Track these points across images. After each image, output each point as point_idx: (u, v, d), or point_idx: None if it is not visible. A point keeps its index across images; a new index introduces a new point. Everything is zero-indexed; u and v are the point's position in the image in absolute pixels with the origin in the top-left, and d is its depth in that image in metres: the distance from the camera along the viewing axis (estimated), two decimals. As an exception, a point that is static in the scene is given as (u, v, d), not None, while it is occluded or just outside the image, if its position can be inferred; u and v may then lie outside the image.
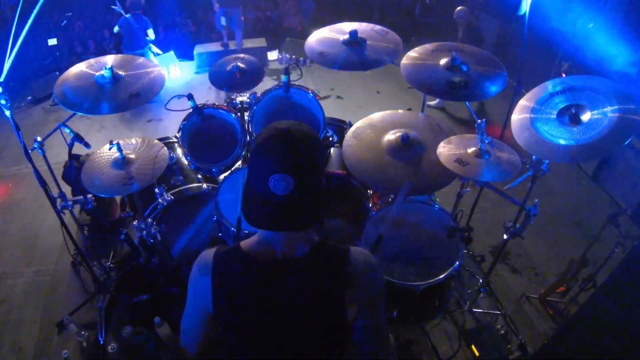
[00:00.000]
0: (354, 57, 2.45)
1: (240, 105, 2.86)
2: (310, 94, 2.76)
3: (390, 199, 2.78)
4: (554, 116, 1.92)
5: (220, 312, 1.14)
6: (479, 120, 2.02)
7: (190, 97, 2.60)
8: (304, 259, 1.10)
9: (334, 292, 1.09)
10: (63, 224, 2.53)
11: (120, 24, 5.24)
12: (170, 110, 2.65)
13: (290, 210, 1.06)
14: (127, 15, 5.18)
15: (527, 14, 2.36)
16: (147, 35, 5.40)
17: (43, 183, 2.28)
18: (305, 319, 1.12)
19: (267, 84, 2.92)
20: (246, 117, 2.81)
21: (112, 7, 5.18)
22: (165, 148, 2.34)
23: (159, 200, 2.56)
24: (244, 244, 1.15)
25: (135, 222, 2.43)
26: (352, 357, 1.21)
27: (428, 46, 2.50)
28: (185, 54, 6.55)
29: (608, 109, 1.81)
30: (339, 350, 1.20)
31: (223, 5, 5.94)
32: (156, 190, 2.54)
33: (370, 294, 1.13)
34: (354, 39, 2.48)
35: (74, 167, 2.73)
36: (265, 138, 1.05)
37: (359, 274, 1.09)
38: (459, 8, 4.95)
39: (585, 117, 1.85)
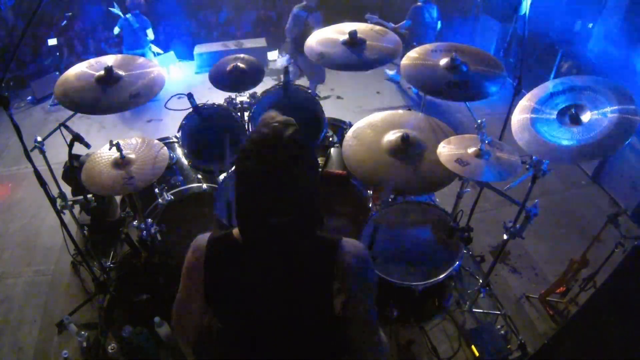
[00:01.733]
0: (354, 57, 2.46)
1: (240, 105, 2.86)
2: (310, 94, 2.76)
3: (390, 199, 2.78)
4: (554, 116, 1.92)
5: (211, 296, 1.16)
6: (479, 121, 2.02)
7: (190, 96, 2.60)
8: (294, 248, 1.11)
9: (321, 282, 1.10)
10: (63, 224, 2.53)
11: (120, 24, 5.25)
12: (170, 109, 2.65)
13: (286, 234, 1.07)
14: (128, 16, 5.18)
15: (527, 14, 2.36)
16: (147, 35, 5.40)
17: (43, 183, 2.28)
18: (293, 306, 1.13)
19: (267, 84, 2.91)
20: (246, 117, 2.81)
21: (110, 9, 5.20)
22: (165, 148, 2.34)
23: (159, 200, 2.56)
24: (236, 231, 1.16)
25: (135, 222, 2.43)
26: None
27: (428, 46, 2.50)
28: (185, 54, 6.55)
29: (608, 109, 1.81)
30: (329, 339, 1.21)
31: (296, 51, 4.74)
32: (156, 190, 2.54)
33: (358, 287, 1.12)
34: (354, 39, 2.48)
35: (74, 167, 2.73)
36: (253, 171, 1.00)
37: (347, 266, 1.09)
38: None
39: (586, 117, 1.85)
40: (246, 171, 1.02)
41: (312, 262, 1.11)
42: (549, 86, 2.02)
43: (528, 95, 2.06)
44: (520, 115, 2.02)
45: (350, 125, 2.60)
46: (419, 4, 5.02)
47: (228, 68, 2.77)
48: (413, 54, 2.47)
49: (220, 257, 1.14)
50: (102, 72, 2.25)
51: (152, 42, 5.60)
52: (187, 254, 1.19)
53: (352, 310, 1.12)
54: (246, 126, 2.77)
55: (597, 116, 1.82)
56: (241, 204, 1.07)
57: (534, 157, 2.09)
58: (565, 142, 1.84)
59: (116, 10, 5.17)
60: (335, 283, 1.09)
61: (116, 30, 5.30)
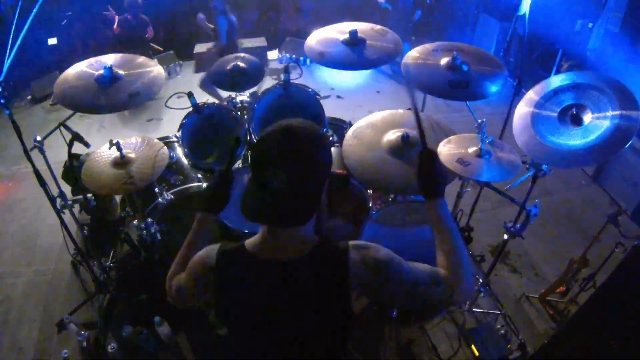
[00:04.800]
0: (354, 57, 2.46)
1: (240, 105, 2.86)
2: (311, 93, 2.76)
3: (390, 199, 2.78)
4: (556, 114, 1.92)
5: (223, 309, 1.16)
6: (480, 120, 2.02)
7: (190, 95, 2.60)
8: (305, 260, 1.10)
9: (337, 292, 1.09)
10: (63, 223, 2.53)
11: (119, 24, 5.25)
12: (170, 108, 2.65)
13: (282, 205, 1.06)
14: (125, 15, 5.19)
15: (527, 14, 2.36)
16: (146, 34, 5.40)
17: (43, 183, 2.28)
18: (308, 318, 1.13)
19: (267, 83, 2.92)
20: (246, 116, 2.81)
21: (104, 12, 5.21)
22: (165, 147, 2.34)
23: (159, 199, 2.56)
24: (248, 243, 1.15)
25: (135, 222, 2.43)
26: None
27: (428, 46, 2.50)
28: (185, 54, 6.54)
29: (609, 113, 1.80)
30: (342, 343, 1.22)
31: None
32: (156, 189, 2.54)
33: (379, 282, 1.10)
34: (354, 39, 2.48)
35: (74, 167, 2.73)
36: (266, 133, 1.08)
37: (360, 273, 1.09)
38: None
39: (587, 118, 1.85)
40: (265, 129, 1.09)
41: (323, 273, 1.11)
42: (554, 81, 2.00)
43: (532, 90, 2.05)
44: (522, 110, 2.02)
45: (350, 125, 2.60)
46: None
47: (228, 67, 2.77)
48: (414, 53, 2.47)
49: (231, 269, 1.14)
50: (102, 72, 2.24)
51: (151, 41, 5.59)
52: (195, 261, 1.19)
53: (392, 294, 1.10)
54: (246, 125, 2.77)
55: (597, 120, 1.82)
56: (251, 157, 1.13)
57: (534, 157, 2.09)
58: (563, 145, 1.84)
59: (110, 14, 5.18)
60: (353, 291, 1.09)
61: (116, 29, 5.29)
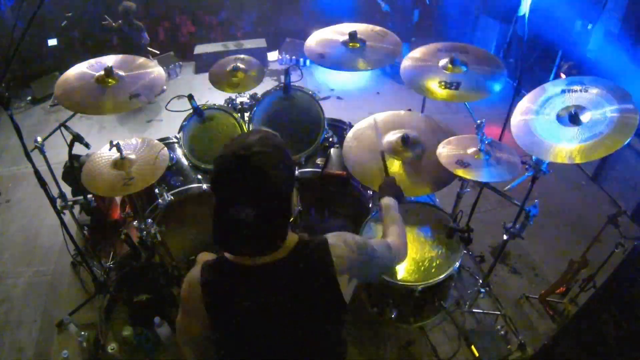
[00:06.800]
0: (354, 58, 2.46)
1: (240, 106, 2.86)
2: (310, 94, 2.76)
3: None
4: (554, 117, 1.92)
5: (216, 323, 1.14)
6: (479, 121, 2.02)
7: (190, 97, 2.60)
8: (289, 259, 1.12)
9: (326, 281, 1.12)
10: (63, 224, 2.53)
11: (115, 32, 5.30)
12: (170, 110, 2.66)
13: (253, 237, 1.07)
14: (120, 22, 5.21)
15: (527, 15, 2.37)
16: (141, 38, 5.41)
17: (43, 183, 2.28)
18: (301, 313, 1.14)
19: (267, 84, 2.92)
20: (246, 118, 2.81)
21: (103, 22, 5.23)
22: (166, 148, 2.34)
23: (159, 200, 2.56)
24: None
25: (135, 222, 2.43)
26: None
27: (432, 46, 2.50)
28: (185, 55, 6.55)
29: (607, 109, 1.81)
30: (337, 328, 1.25)
31: None
32: (156, 190, 2.54)
33: (362, 264, 1.19)
34: (354, 40, 2.49)
35: (74, 168, 2.73)
36: (222, 167, 1.05)
37: (344, 259, 1.13)
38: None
39: (585, 117, 1.85)
40: (220, 158, 1.07)
41: (310, 267, 1.12)
42: (548, 87, 2.02)
43: (528, 96, 2.06)
44: (519, 116, 2.02)
45: (351, 125, 2.61)
46: None
47: (228, 68, 2.77)
48: (415, 54, 2.47)
49: (216, 281, 1.14)
50: (102, 72, 2.25)
51: (148, 44, 5.60)
52: (183, 286, 1.20)
53: (370, 274, 1.30)
54: (246, 127, 2.77)
55: (597, 116, 1.82)
56: (212, 188, 1.10)
57: (533, 158, 2.09)
58: (565, 143, 1.84)
59: (108, 24, 5.21)
60: (341, 278, 1.12)
61: (115, 40, 5.34)
